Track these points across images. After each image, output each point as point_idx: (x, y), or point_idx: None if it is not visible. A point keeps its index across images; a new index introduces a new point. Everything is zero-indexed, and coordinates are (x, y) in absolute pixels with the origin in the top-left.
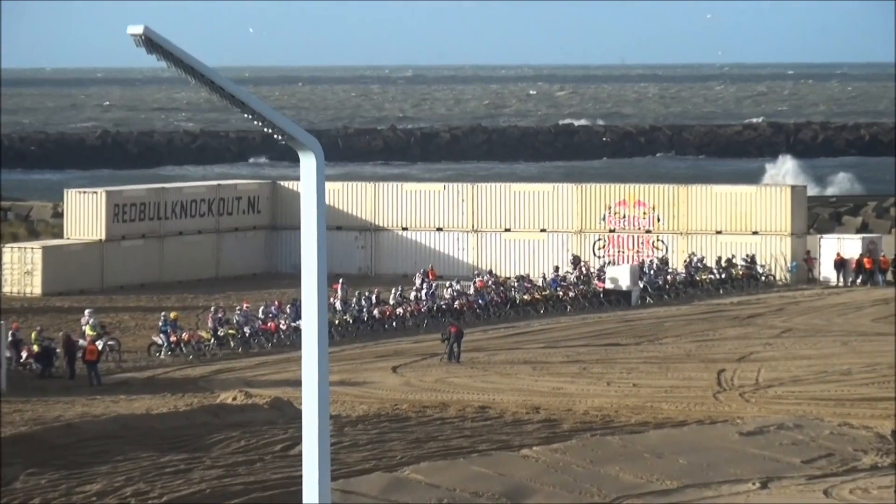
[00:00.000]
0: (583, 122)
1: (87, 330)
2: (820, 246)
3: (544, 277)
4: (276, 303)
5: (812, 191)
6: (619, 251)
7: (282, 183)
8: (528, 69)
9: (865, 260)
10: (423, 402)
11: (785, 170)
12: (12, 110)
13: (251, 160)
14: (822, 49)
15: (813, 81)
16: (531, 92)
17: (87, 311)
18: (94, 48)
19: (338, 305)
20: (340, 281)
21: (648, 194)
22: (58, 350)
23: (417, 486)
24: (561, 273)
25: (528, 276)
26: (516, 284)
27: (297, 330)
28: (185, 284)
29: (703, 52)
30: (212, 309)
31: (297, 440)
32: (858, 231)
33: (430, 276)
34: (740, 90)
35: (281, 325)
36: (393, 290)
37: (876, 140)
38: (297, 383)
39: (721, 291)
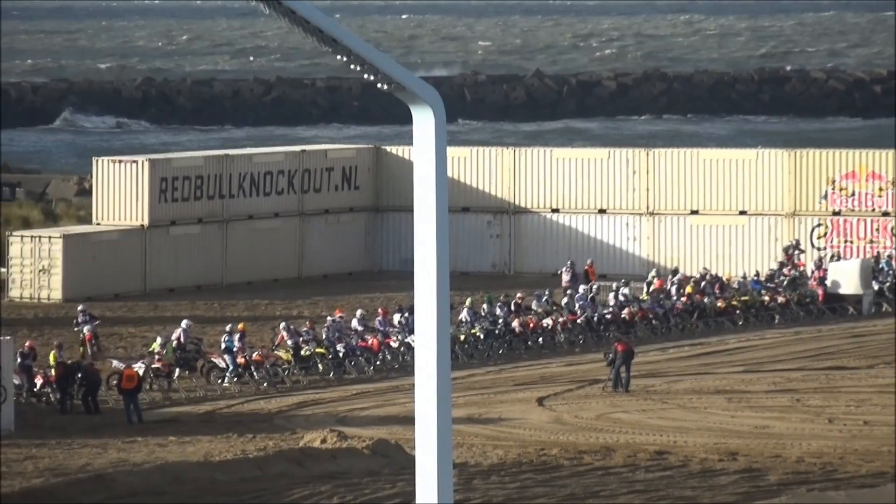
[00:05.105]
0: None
1: (157, 349)
2: None
3: (744, 277)
4: (381, 311)
5: None
6: (845, 241)
7: (388, 148)
8: None
9: None
10: (579, 446)
11: None
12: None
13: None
14: None
15: None
16: (710, 28)
17: (185, 322)
18: None
19: (463, 315)
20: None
21: (887, 163)
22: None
23: None
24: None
25: (729, 277)
26: (703, 285)
27: (410, 348)
28: (258, 287)
29: None
30: (281, 325)
31: (410, 497)
32: None
33: (590, 276)
34: None
35: (387, 342)
36: (544, 294)
37: None
38: (409, 420)
39: None
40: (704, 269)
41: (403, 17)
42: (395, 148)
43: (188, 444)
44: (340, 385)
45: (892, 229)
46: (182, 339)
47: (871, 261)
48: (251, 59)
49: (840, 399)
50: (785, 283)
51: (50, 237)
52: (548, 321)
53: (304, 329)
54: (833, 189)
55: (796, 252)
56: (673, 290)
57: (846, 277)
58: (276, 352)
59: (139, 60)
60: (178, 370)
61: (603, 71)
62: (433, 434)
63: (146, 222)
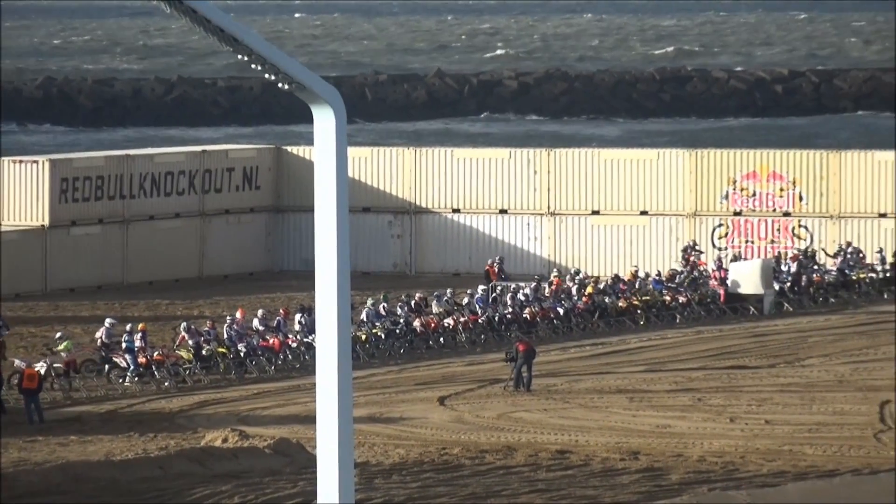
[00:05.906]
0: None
1: (61, 347)
2: None
3: (646, 277)
4: (282, 311)
5: None
6: (747, 241)
7: (288, 149)
8: None
9: None
10: (480, 445)
11: None
12: None
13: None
14: None
15: None
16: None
17: (108, 320)
18: None
19: (364, 315)
20: None
21: (787, 163)
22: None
23: None
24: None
25: (637, 275)
26: (603, 286)
27: (310, 347)
28: (158, 287)
29: None
30: (182, 325)
31: (311, 496)
32: None
33: (491, 276)
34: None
35: (287, 342)
36: (444, 294)
37: None
38: (310, 419)
39: (885, 296)
40: (635, 267)
41: (297, 15)
42: (295, 148)
43: (89, 443)
44: (242, 384)
45: (792, 229)
46: (104, 338)
47: (772, 261)
48: (143, 59)
49: (741, 398)
50: (686, 282)
51: None
52: (449, 321)
53: (205, 329)
54: (734, 189)
55: (695, 253)
56: (574, 289)
57: (746, 277)
58: (177, 351)
59: (38, 60)
60: (107, 366)
61: (504, 70)
62: (334, 433)
63: (46, 222)
